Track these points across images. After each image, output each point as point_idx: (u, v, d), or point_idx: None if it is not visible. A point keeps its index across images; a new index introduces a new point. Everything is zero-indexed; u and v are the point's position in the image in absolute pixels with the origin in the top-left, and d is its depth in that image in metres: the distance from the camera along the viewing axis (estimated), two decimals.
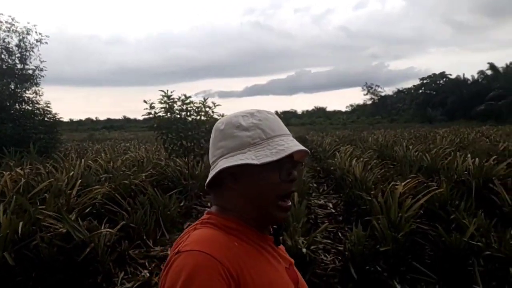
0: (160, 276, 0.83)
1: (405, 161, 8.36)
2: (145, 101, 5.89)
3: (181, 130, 6.01)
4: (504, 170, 6.10)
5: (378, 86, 78.05)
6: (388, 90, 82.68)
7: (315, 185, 8.91)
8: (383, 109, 69.04)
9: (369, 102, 78.63)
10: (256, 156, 0.84)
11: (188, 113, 6.16)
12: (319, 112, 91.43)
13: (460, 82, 51.84)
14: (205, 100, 6.30)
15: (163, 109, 6.03)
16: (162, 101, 5.98)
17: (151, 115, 5.89)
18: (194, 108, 6.17)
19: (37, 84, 11.81)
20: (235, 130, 0.89)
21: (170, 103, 6.04)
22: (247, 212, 0.88)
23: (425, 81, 56.34)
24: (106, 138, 28.00)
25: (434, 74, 55.53)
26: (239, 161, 0.84)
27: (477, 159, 6.75)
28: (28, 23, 15.53)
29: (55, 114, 11.88)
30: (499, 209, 5.20)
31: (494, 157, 6.81)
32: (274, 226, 0.96)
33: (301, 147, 0.88)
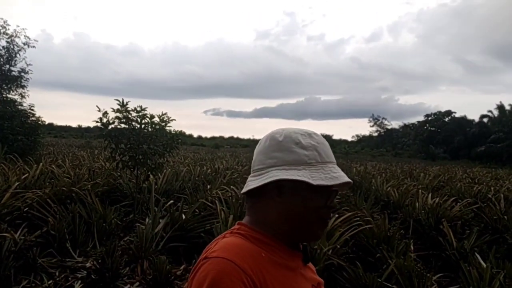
0: (188, 279, 0.87)
1: (374, 195, 8.19)
2: (98, 108, 5.83)
3: (133, 142, 5.93)
4: (458, 212, 5.90)
5: (385, 119, 77.97)
6: (395, 124, 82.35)
7: None
8: (389, 142, 68.69)
9: (375, 134, 78.36)
10: (311, 177, 0.86)
11: (143, 126, 6.09)
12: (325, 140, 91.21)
13: (464, 121, 51.55)
14: (162, 114, 6.24)
15: (117, 119, 5.96)
16: (116, 110, 5.91)
17: (100, 123, 5.80)
18: (149, 121, 6.09)
19: (23, 87, 11.92)
20: (294, 146, 0.90)
21: (125, 113, 5.97)
22: (281, 227, 0.90)
23: (429, 118, 56.10)
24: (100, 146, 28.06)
25: (440, 112, 55.36)
26: (297, 176, 0.86)
27: (437, 198, 6.55)
28: (18, 26, 15.48)
29: (39, 117, 11.94)
30: (444, 252, 5.01)
31: (453, 198, 6.61)
32: (304, 244, 0.97)
33: (347, 179, 0.89)
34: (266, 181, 0.88)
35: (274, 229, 0.90)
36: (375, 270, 3.96)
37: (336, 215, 4.72)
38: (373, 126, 77.63)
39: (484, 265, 3.93)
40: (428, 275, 4.04)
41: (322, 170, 0.88)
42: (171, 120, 6.12)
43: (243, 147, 66.85)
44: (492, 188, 9.44)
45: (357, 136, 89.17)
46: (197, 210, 5.51)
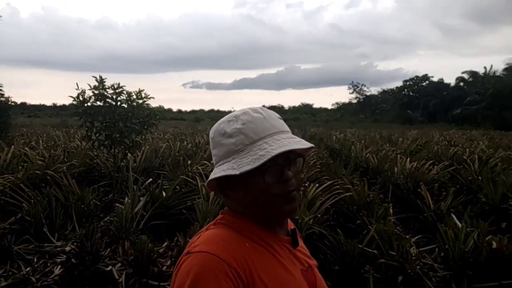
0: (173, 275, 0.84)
1: (353, 161, 8.28)
2: (77, 86, 5.60)
3: (109, 120, 5.75)
4: (436, 174, 6.03)
5: (365, 86, 78.34)
6: (374, 90, 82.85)
7: None
8: (368, 109, 69.43)
9: (355, 101, 78.94)
10: (238, 165, 0.83)
11: (119, 103, 5.89)
12: (305, 109, 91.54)
13: (441, 85, 52.38)
14: (140, 91, 6.05)
15: (93, 96, 5.74)
16: (93, 87, 5.69)
17: (76, 101, 5.59)
18: (126, 98, 5.90)
19: None
20: (221, 138, 0.89)
21: (102, 90, 5.75)
22: (250, 214, 0.88)
23: (407, 83, 56.69)
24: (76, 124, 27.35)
25: (417, 76, 55.90)
26: (222, 172, 0.85)
27: (415, 162, 6.68)
28: None
29: (8, 97, 11.44)
30: (422, 214, 5.14)
31: (430, 162, 6.75)
32: (293, 227, 0.96)
33: (285, 149, 0.82)
34: (206, 183, 0.92)
35: (248, 216, 0.88)
36: (356, 236, 4.03)
37: (317, 185, 4.74)
38: (352, 93, 77.96)
39: (460, 225, 4.06)
40: (407, 237, 4.15)
41: (250, 152, 0.84)
42: (150, 98, 5.95)
43: None
44: (467, 149, 9.69)
45: (337, 104, 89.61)
46: (177, 187, 5.45)
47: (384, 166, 7.48)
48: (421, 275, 3.49)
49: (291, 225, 0.99)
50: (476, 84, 43.42)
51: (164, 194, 5.09)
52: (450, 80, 72.11)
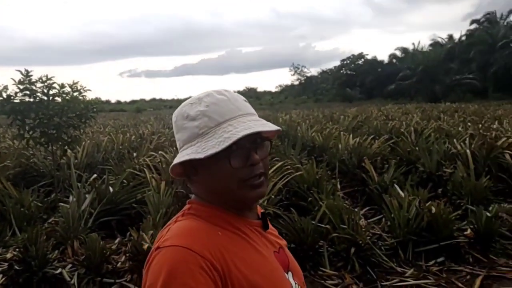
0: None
1: (300, 141, 8.49)
2: None
3: (42, 116, 5.34)
4: (377, 148, 6.37)
5: (305, 67, 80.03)
6: (314, 71, 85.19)
7: None
8: (309, 90, 71.13)
9: (296, 82, 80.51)
10: (202, 149, 0.80)
11: (51, 97, 5.48)
12: (250, 93, 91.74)
13: (376, 63, 55.08)
14: (74, 83, 5.67)
15: (20, 92, 5.28)
16: (18, 82, 5.23)
17: (1, 98, 5.12)
18: (59, 91, 5.50)
19: None
20: (185, 122, 0.86)
21: (29, 85, 5.31)
22: (217, 200, 0.85)
23: (345, 62, 58.90)
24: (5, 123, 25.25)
25: (353, 55, 58.24)
26: (186, 156, 0.82)
27: (358, 138, 7.00)
28: None
29: None
30: (367, 187, 5.41)
31: (372, 137, 7.12)
32: (262, 211, 0.94)
33: (251, 131, 0.79)
34: (170, 168, 0.87)
35: (215, 202, 0.86)
36: (309, 213, 4.17)
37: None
38: (294, 75, 79.39)
39: (402, 194, 4.35)
40: (356, 210, 4.37)
41: (215, 135, 0.80)
42: (86, 90, 5.60)
43: (168, 109, 64.74)
44: (403, 123, 10.34)
45: (280, 86, 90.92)
46: (125, 181, 5.25)
47: (329, 144, 7.76)
48: (371, 245, 3.71)
49: (260, 208, 0.97)
50: (407, 60, 46.23)
51: (111, 189, 4.89)
52: (384, 57, 75.99)
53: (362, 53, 57.91)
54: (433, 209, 3.85)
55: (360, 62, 57.20)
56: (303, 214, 4.07)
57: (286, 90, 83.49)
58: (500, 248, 3.74)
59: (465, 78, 36.98)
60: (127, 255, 3.67)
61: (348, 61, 58.75)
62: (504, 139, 6.14)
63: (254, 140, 0.83)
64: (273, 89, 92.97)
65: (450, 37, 45.91)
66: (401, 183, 4.99)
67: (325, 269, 3.52)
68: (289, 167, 5.19)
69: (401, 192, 4.51)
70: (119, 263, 3.69)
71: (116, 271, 3.59)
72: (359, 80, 53.43)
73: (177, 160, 0.84)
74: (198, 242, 0.76)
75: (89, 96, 5.89)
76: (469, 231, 3.99)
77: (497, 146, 5.75)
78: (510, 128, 7.91)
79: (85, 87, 5.72)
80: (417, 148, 6.29)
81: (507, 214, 4.11)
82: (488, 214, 3.85)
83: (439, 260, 3.66)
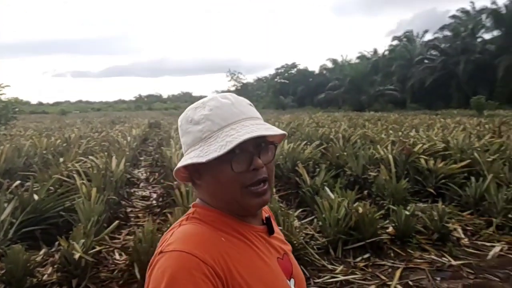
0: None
1: None
2: None
3: None
4: (309, 153, 6.70)
5: (241, 73, 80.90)
6: (250, 78, 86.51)
7: (146, 174, 8.51)
8: (245, 96, 70.89)
9: (233, 88, 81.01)
10: (204, 153, 0.79)
11: None
12: (185, 97, 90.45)
13: (307, 73, 57.71)
14: None
15: None
16: None
17: None
18: None
19: None
20: (189, 125, 0.86)
21: None
22: (221, 205, 0.84)
23: (279, 71, 60.97)
24: None
25: (287, 64, 60.50)
26: (188, 160, 0.82)
27: (292, 144, 7.29)
28: None
29: None
30: (301, 189, 5.66)
31: (304, 142, 7.47)
32: (267, 215, 0.92)
33: (253, 135, 0.78)
34: (174, 172, 0.88)
35: (218, 207, 0.85)
36: None
37: None
38: (230, 80, 79.89)
39: (332, 196, 4.63)
40: (290, 212, 4.55)
41: (217, 139, 0.80)
42: (5, 87, 5.17)
43: (95, 111, 61.20)
44: (332, 130, 10.95)
45: (216, 91, 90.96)
46: (52, 188, 4.93)
47: None
48: (305, 245, 3.90)
49: (266, 211, 0.96)
50: (336, 71, 49.04)
51: (36, 197, 4.55)
52: (315, 68, 79.64)
53: (294, 63, 60.28)
54: (360, 210, 4.15)
55: (293, 71, 59.39)
56: None
57: None
58: (416, 243, 4.14)
59: (387, 89, 40.09)
60: (55, 266, 3.46)
61: (282, 70, 60.70)
62: (420, 145, 6.80)
63: (259, 144, 0.82)
64: (209, 94, 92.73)
65: (375, 51, 49.54)
66: (331, 185, 5.29)
67: None
68: None
69: (331, 194, 4.79)
70: (45, 275, 3.46)
71: (41, 285, 3.37)
72: (291, 88, 55.46)
73: (180, 164, 0.84)
74: (201, 248, 0.75)
75: (8, 95, 5.46)
76: (390, 228, 4.37)
77: (414, 152, 6.35)
78: (424, 135, 8.78)
79: (2, 84, 5.29)
80: (345, 153, 6.71)
81: (422, 212, 4.56)
82: (407, 212, 4.26)
83: (365, 256, 3.96)
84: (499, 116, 17.86)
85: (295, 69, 59.35)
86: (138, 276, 3.31)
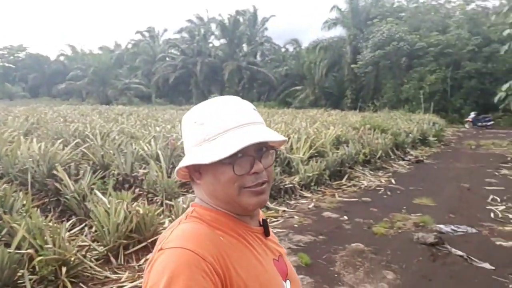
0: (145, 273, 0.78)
1: None
2: None
3: None
4: (68, 154, 5.95)
5: None
6: None
7: None
8: None
9: None
10: (207, 154, 0.81)
11: None
12: None
13: (42, 58, 50.40)
14: None
15: None
16: None
17: None
18: None
19: None
20: (193, 125, 0.86)
21: None
22: (220, 205, 0.86)
23: (1, 52, 50.42)
24: None
25: (12, 46, 50.71)
26: (190, 160, 0.84)
27: (43, 143, 6.23)
28: None
29: None
30: (64, 196, 4.95)
31: (61, 140, 6.56)
32: (263, 217, 0.96)
33: (255, 140, 0.80)
34: (175, 171, 0.90)
35: (217, 206, 0.87)
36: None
37: None
38: None
39: (106, 200, 4.28)
40: (56, 225, 3.91)
41: (221, 141, 0.81)
42: None
43: None
44: (87, 125, 10.05)
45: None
46: None
47: (2, 151, 6.47)
48: (82, 259, 3.45)
49: (262, 215, 0.99)
50: (77, 60, 45.06)
51: None
52: (51, 54, 70.56)
53: (22, 45, 51.43)
54: (141, 210, 4.03)
55: (20, 55, 50.53)
56: None
57: None
58: None
59: (134, 83, 40.24)
60: None
61: (5, 52, 50.54)
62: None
63: (260, 149, 0.85)
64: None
65: (116, 44, 48.53)
66: (100, 188, 4.87)
67: None
68: None
69: (103, 198, 4.42)
70: None
71: None
72: (20, 75, 47.25)
73: (182, 164, 0.86)
74: (201, 245, 0.76)
75: None
76: (167, 223, 4.45)
77: (178, 146, 6.66)
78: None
79: None
80: (111, 151, 6.31)
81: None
82: (184, 205, 4.45)
83: (149, 256, 3.88)
84: None
85: (24, 53, 50.66)
86: None
